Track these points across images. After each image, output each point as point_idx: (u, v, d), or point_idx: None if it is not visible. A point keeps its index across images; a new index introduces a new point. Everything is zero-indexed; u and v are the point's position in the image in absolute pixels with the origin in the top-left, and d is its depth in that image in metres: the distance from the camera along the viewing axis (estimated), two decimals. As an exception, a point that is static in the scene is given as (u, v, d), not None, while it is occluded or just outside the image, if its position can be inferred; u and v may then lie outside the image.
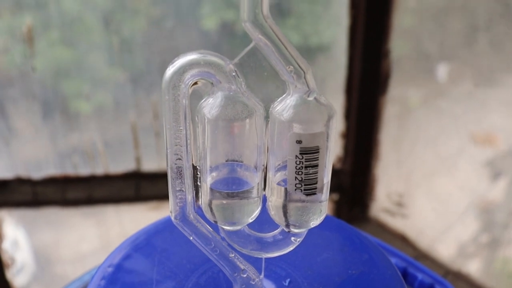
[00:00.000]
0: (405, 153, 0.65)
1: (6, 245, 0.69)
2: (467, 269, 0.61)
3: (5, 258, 0.70)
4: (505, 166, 0.65)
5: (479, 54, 0.62)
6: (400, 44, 0.61)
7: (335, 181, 0.64)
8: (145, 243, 0.24)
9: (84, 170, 0.63)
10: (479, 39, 0.61)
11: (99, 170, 0.63)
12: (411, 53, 0.64)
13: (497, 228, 0.66)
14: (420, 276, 0.29)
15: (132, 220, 0.66)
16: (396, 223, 0.65)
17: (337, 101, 0.62)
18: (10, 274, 0.71)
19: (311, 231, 0.24)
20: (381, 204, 0.65)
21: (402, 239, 0.64)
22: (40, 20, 0.54)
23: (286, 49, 0.17)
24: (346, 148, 0.63)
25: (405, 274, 0.29)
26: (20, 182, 0.64)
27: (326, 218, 0.26)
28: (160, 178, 0.63)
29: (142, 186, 0.64)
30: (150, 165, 0.63)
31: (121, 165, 0.63)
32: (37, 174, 0.63)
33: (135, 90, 0.58)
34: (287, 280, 0.22)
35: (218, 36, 0.57)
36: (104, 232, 0.67)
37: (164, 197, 0.64)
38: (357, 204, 0.66)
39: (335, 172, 0.65)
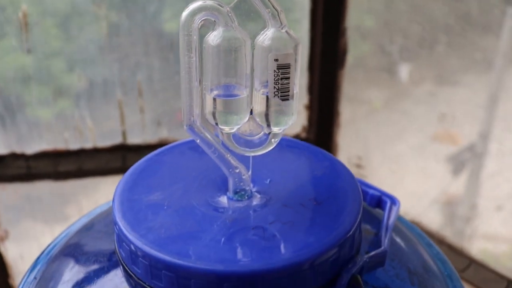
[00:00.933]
0: (362, 124, 0.73)
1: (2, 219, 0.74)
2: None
3: (0, 231, 0.75)
4: (466, 162, 0.70)
5: (439, 55, 0.67)
6: (360, 44, 0.67)
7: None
8: (158, 160, 0.31)
9: (74, 145, 0.69)
10: (438, 41, 0.66)
11: (88, 144, 0.69)
12: (373, 54, 0.70)
13: (459, 222, 0.73)
14: (370, 191, 0.36)
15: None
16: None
17: (301, 78, 0.69)
18: (3, 248, 0.77)
19: (284, 148, 0.31)
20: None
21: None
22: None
23: (266, -4, 0.24)
24: (310, 119, 0.71)
25: (358, 191, 0.37)
26: (14, 157, 0.69)
27: (296, 141, 0.34)
28: (144, 149, 0.70)
29: (128, 158, 0.70)
30: (135, 139, 0.70)
31: (108, 139, 0.69)
32: (30, 149, 0.69)
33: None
34: (268, 180, 0.30)
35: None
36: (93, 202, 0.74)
37: (148, 168, 0.71)
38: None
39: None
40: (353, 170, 0.73)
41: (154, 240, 0.25)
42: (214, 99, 0.25)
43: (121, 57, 0.63)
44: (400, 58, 0.69)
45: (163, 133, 0.69)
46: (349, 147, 0.73)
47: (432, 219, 0.72)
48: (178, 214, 0.27)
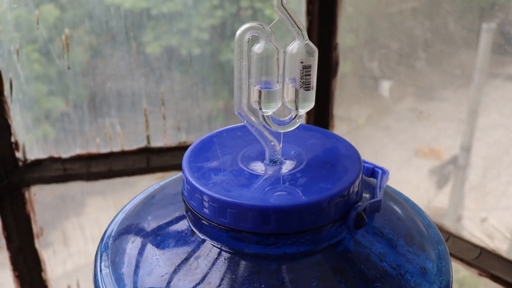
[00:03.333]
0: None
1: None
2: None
3: (36, 229, 0.84)
4: (449, 175, 0.73)
5: (418, 72, 0.70)
6: (343, 63, 0.72)
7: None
8: (209, 141, 0.42)
9: (104, 149, 0.79)
10: (418, 57, 0.69)
11: (117, 147, 0.80)
12: (354, 72, 0.75)
13: (444, 234, 0.71)
14: (366, 164, 0.47)
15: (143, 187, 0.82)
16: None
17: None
18: (38, 244, 0.86)
19: (302, 131, 0.42)
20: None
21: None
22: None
23: (293, 20, 0.36)
24: (308, 123, 0.83)
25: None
26: (52, 160, 0.79)
27: (310, 126, 0.45)
28: (165, 152, 0.81)
29: (152, 159, 0.81)
30: (157, 142, 0.80)
31: (135, 143, 0.80)
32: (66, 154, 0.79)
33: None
34: (293, 152, 0.41)
35: (163, 60, 0.72)
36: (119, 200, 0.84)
37: (169, 167, 0.82)
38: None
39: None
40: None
41: (219, 190, 0.36)
42: (259, 91, 0.37)
43: (147, 72, 0.74)
44: (380, 75, 0.75)
45: (182, 137, 0.80)
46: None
47: None
48: (232, 173, 0.38)
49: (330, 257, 0.36)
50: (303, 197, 0.35)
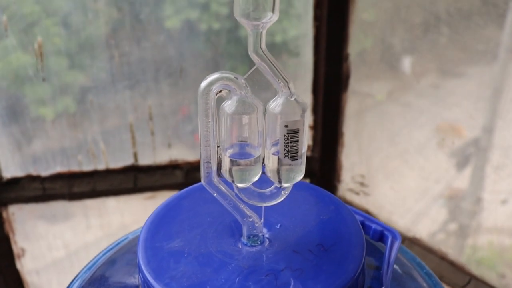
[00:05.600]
0: (365, 142, 0.75)
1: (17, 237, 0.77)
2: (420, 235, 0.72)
3: (17, 249, 0.78)
4: (470, 156, 0.69)
5: (441, 47, 0.65)
6: (362, 38, 0.66)
7: (306, 167, 0.75)
8: (177, 205, 0.34)
9: (87, 167, 0.72)
10: (440, 33, 0.65)
11: (101, 166, 0.72)
12: (374, 47, 0.69)
13: (464, 216, 0.71)
14: (373, 226, 0.39)
15: (130, 209, 0.75)
16: (361, 200, 0.75)
17: (305, 99, 0.72)
18: (19, 265, 0.79)
19: (293, 192, 0.34)
20: (346, 185, 0.76)
21: (366, 213, 0.74)
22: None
23: (276, 69, 0.27)
24: (315, 139, 0.74)
25: (362, 225, 0.40)
26: (30, 179, 0.72)
27: (304, 183, 0.36)
28: (154, 170, 0.73)
29: (139, 178, 0.73)
30: (146, 160, 0.72)
31: (120, 161, 0.72)
32: (45, 172, 0.72)
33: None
34: (279, 225, 0.32)
35: (182, 34, 0.64)
36: (106, 221, 0.76)
37: (158, 187, 0.74)
38: (327, 186, 0.76)
39: (306, 160, 0.75)
40: (357, 188, 0.76)
41: (177, 288, 0.28)
42: (231, 160, 0.28)
43: (132, 84, 0.66)
44: (402, 51, 0.68)
45: (173, 154, 0.72)
46: (352, 165, 0.75)
47: (436, 214, 0.72)
48: (197, 261, 0.29)
49: None
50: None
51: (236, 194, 0.30)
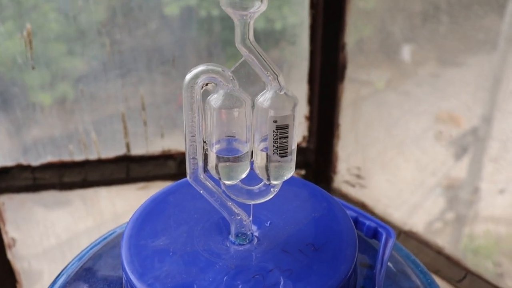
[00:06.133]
0: (361, 133, 0.73)
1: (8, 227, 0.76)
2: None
3: (7, 239, 0.77)
4: (468, 145, 0.69)
5: (441, 36, 0.65)
6: (360, 27, 0.65)
7: (302, 158, 0.74)
8: (163, 200, 0.33)
9: (79, 157, 0.70)
10: (440, 22, 0.64)
11: (93, 156, 0.71)
12: (372, 36, 0.68)
13: (461, 205, 0.71)
14: (367, 222, 0.38)
15: (123, 199, 0.74)
16: (357, 192, 0.74)
17: (301, 89, 0.70)
18: (10, 255, 0.78)
19: (284, 187, 0.32)
20: (342, 177, 0.75)
21: (362, 206, 0.73)
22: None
23: (265, 61, 0.25)
24: (310, 129, 0.73)
25: (356, 222, 0.38)
26: (21, 168, 0.71)
27: (296, 179, 0.35)
28: (147, 160, 0.71)
29: (132, 168, 0.72)
30: (138, 150, 0.71)
31: (112, 151, 0.71)
32: (36, 161, 0.70)
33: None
34: (268, 222, 0.31)
35: (181, 22, 0.62)
36: (98, 211, 0.75)
37: (151, 178, 0.73)
38: (322, 177, 0.75)
39: (301, 151, 0.74)
40: (352, 180, 0.75)
41: (160, 289, 0.26)
42: (218, 156, 0.27)
43: (124, 73, 0.65)
44: (401, 39, 0.67)
45: (166, 144, 0.70)
46: (348, 157, 0.74)
47: (432, 206, 0.71)
48: (183, 260, 0.28)
49: None
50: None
51: (224, 191, 0.29)
